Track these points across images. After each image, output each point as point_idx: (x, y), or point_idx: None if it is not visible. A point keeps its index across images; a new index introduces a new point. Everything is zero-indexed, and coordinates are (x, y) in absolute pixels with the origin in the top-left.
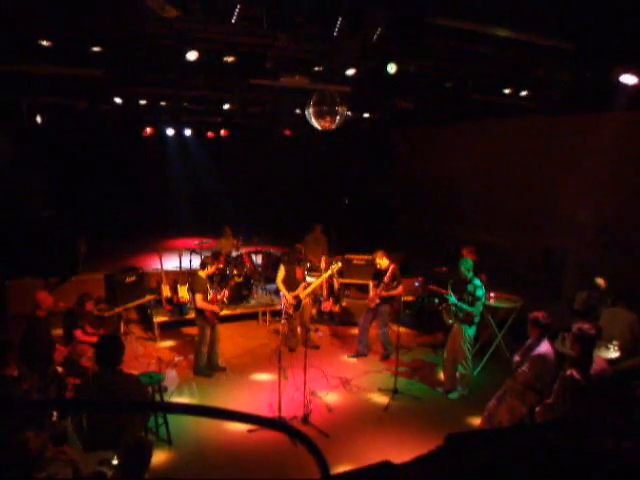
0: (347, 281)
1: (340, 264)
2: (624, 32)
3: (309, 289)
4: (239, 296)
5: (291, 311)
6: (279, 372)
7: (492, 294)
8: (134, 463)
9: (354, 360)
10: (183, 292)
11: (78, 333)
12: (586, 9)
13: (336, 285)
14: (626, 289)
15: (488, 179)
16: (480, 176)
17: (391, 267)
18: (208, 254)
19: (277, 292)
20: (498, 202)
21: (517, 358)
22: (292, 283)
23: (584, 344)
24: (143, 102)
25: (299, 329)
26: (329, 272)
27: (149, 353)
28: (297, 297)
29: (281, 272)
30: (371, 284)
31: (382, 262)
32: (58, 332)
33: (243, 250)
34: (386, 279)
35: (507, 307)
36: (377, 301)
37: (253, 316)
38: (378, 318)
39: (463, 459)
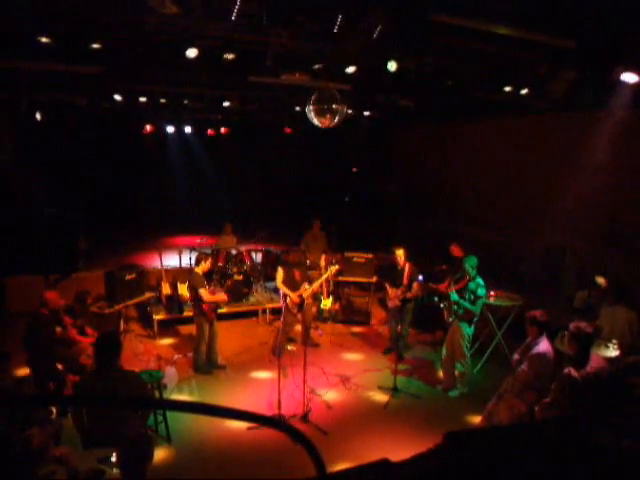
0: (347, 279)
1: (337, 266)
2: (625, 30)
3: (310, 289)
4: (239, 294)
5: (296, 311)
6: (279, 370)
7: (492, 292)
8: (135, 458)
9: (354, 358)
10: (183, 290)
11: (72, 333)
12: (587, 6)
13: (331, 284)
14: (626, 287)
15: (488, 176)
16: (480, 173)
17: (407, 266)
18: (207, 251)
19: (277, 290)
20: (498, 199)
21: (516, 357)
22: (292, 284)
23: (581, 342)
24: (143, 99)
25: (299, 327)
26: (327, 274)
27: (148, 351)
28: (300, 297)
29: (279, 274)
30: (387, 285)
31: (400, 254)
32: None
33: (243, 248)
34: (405, 280)
35: (507, 305)
36: (398, 303)
37: (253, 314)
38: (405, 317)
39: (462, 457)
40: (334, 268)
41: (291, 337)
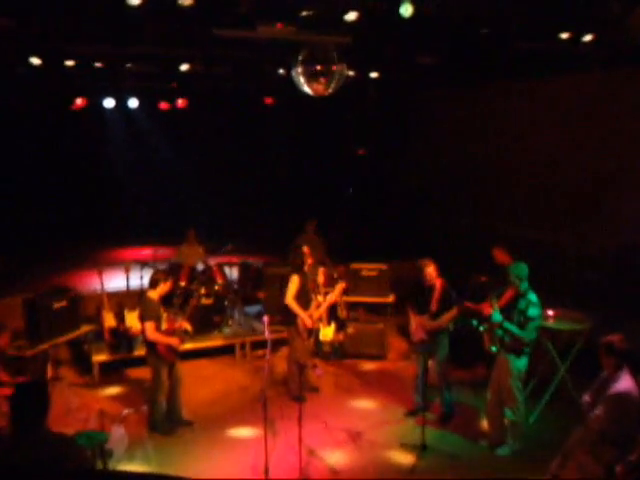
0: (354, 299)
1: (343, 284)
2: None
3: (322, 308)
4: (209, 323)
5: (305, 337)
6: (265, 425)
7: (550, 312)
8: None
9: (366, 405)
10: (132, 320)
11: None
12: None
13: (341, 310)
14: None
15: (539, 156)
16: (529, 152)
17: (438, 283)
18: (164, 267)
19: (259, 316)
20: (554, 186)
21: (588, 399)
22: (306, 299)
23: None
24: (70, 63)
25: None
26: (333, 296)
27: (87, 405)
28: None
29: (293, 284)
30: (411, 312)
31: (430, 271)
32: None
33: (212, 261)
34: (433, 305)
35: (571, 329)
36: (423, 336)
37: (229, 350)
38: (438, 354)
39: None
40: (340, 286)
41: (298, 394)
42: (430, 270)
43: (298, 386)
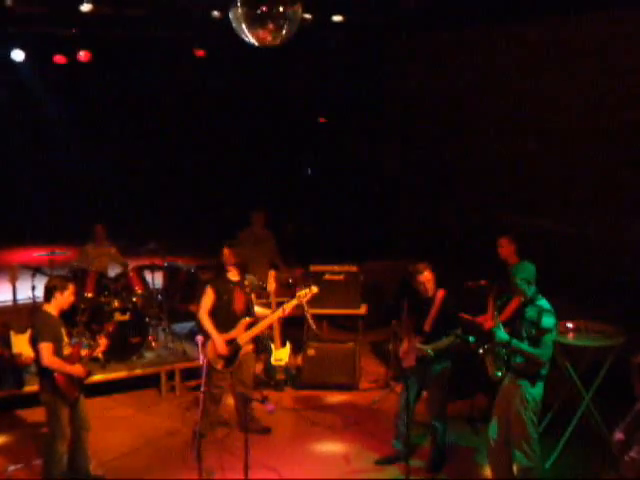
0: (314, 311)
1: (315, 288)
2: None
3: (256, 329)
4: (125, 347)
5: (220, 367)
6: (201, 478)
7: (570, 324)
8: None
9: (332, 449)
10: (21, 344)
11: None
12: None
13: (311, 323)
14: None
15: (562, 123)
16: (544, 119)
17: (439, 295)
18: (62, 273)
19: (192, 336)
20: (579, 161)
21: (620, 436)
22: (226, 316)
23: None
24: None
25: (231, 400)
26: (294, 301)
27: None
28: (232, 342)
29: (207, 297)
30: (404, 331)
31: (425, 278)
32: None
33: (129, 265)
34: (428, 324)
35: (597, 346)
36: (413, 363)
37: (152, 381)
38: (430, 388)
39: None
40: (309, 292)
41: (202, 432)
42: (425, 278)
43: (203, 425)
